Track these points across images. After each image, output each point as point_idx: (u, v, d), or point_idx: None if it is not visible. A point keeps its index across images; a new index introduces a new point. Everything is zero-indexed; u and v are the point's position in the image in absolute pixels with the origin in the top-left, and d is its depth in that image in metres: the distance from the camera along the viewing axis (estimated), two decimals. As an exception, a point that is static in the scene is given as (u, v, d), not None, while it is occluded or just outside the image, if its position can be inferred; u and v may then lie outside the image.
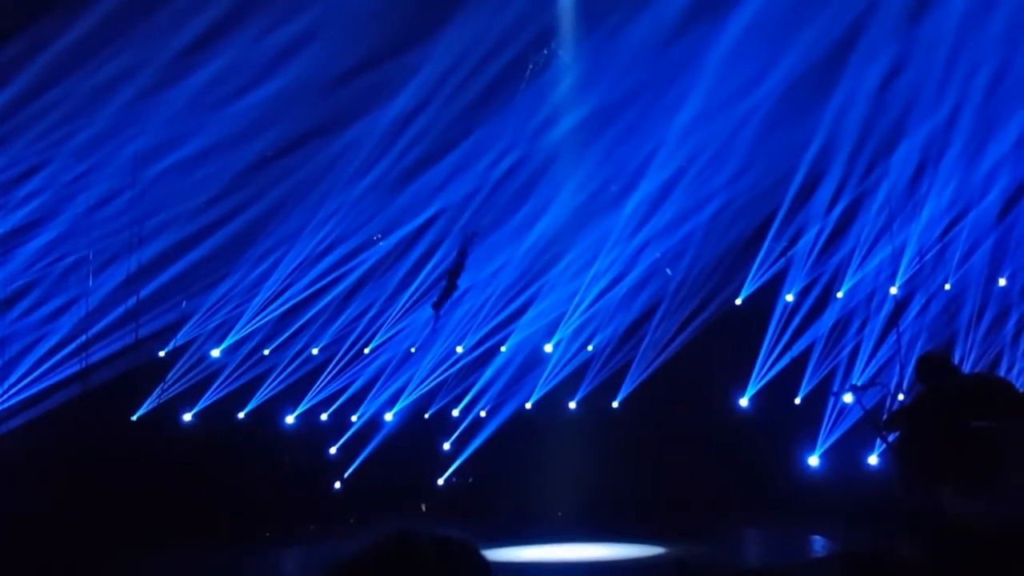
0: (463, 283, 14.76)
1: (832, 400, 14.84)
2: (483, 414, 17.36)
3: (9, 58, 11.12)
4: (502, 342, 16.83)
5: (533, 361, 17.04)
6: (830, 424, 15.03)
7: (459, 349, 16.72)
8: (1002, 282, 15.41)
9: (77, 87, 11.88)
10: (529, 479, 16.15)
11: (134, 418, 14.44)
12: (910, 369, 12.52)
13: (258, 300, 15.25)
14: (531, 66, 12.98)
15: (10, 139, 12.18)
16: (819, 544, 12.75)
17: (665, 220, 14.64)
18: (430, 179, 14.56)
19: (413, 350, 16.96)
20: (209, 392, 15.18)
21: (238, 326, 15.30)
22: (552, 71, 13.07)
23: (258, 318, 15.39)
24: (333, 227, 14.91)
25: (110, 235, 13.93)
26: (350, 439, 16.60)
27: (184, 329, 15.04)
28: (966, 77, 12.82)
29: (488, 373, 16.98)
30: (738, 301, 15.88)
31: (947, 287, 15.35)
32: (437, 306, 14.47)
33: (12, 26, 10.97)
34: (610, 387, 16.97)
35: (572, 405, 17.28)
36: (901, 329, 15.02)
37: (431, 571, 1.85)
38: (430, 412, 17.37)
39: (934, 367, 6.47)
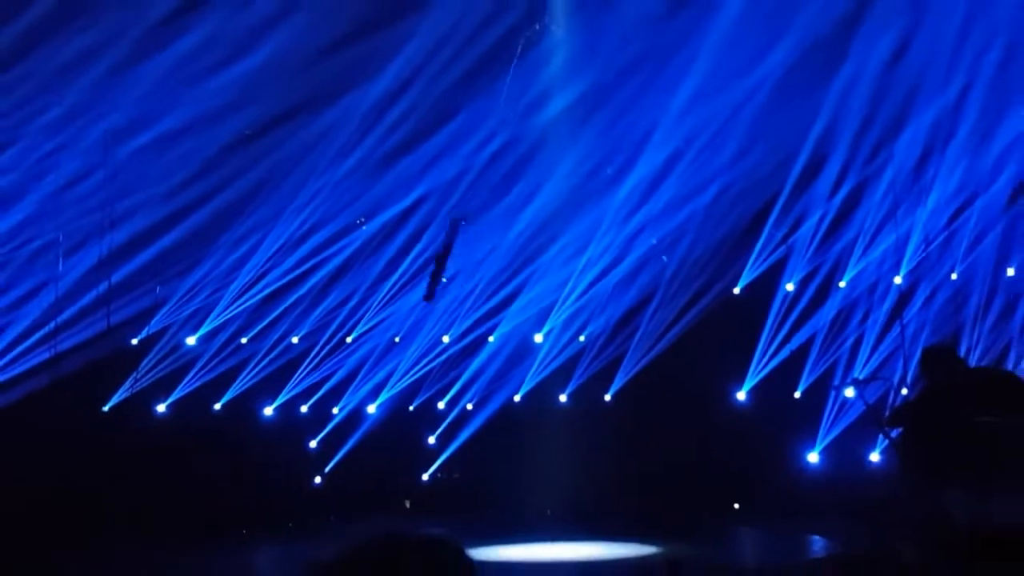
0: (450, 270, 14.78)
1: (833, 394, 14.71)
2: (470, 407, 17.34)
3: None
4: (490, 331, 16.75)
5: (522, 352, 16.95)
6: (831, 419, 14.92)
7: (445, 339, 16.63)
8: (1011, 272, 15.24)
9: (46, 61, 11.63)
10: (518, 475, 16.04)
11: (105, 409, 14.31)
12: (914, 362, 12.58)
13: (235, 286, 15.11)
14: (522, 41, 12.81)
15: (-26, 117, 12.07)
16: (818, 545, 12.66)
17: (661, 205, 14.51)
18: (415, 160, 14.36)
19: (397, 339, 16.93)
20: (184, 382, 15.09)
21: (214, 313, 15.15)
22: (544, 46, 12.73)
23: (235, 305, 15.26)
24: (314, 210, 14.75)
25: (80, 217, 13.71)
26: (331, 432, 16.56)
27: (158, 316, 14.90)
28: (976, 55, 12.51)
29: (475, 364, 16.98)
30: (736, 290, 15.67)
31: (953, 277, 15.16)
32: (428, 297, 14.74)
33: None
34: (603, 379, 16.87)
35: (563, 398, 17.24)
36: (905, 320, 14.85)
37: (416, 572, 1.86)
38: (415, 404, 17.36)
39: (939, 360, 6.37)
